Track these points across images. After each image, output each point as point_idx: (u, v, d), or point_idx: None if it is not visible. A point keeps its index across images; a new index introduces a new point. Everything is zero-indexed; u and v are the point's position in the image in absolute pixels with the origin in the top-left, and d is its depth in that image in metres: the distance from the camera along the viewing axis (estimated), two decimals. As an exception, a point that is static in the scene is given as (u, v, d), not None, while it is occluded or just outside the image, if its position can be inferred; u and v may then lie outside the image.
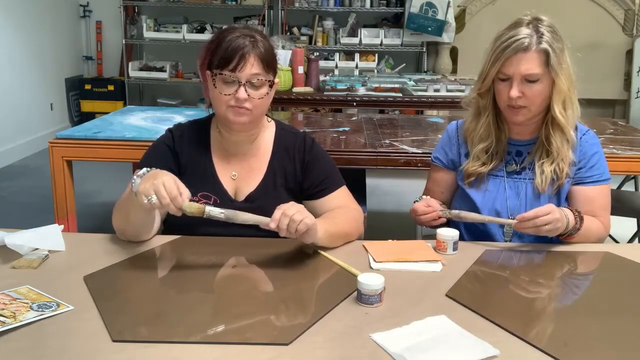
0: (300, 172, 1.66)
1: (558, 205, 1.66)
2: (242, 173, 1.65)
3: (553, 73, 1.56)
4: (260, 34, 1.56)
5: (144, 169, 1.40)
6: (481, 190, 1.71)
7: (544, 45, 1.55)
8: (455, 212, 1.61)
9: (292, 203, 1.39)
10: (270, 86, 1.56)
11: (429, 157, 1.87)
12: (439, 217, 1.63)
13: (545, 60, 1.55)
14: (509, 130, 1.71)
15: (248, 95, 1.50)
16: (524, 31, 1.56)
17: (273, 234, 1.52)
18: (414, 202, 1.71)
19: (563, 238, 1.58)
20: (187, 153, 1.64)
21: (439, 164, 1.81)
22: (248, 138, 1.65)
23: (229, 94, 1.51)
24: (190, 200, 1.59)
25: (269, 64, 1.55)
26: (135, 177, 1.39)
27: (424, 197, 1.76)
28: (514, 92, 1.56)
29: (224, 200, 1.59)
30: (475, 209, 1.68)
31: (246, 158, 1.65)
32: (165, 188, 1.31)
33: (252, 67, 1.50)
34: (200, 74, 1.63)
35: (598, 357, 1.06)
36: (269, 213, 1.38)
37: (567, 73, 1.58)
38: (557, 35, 1.58)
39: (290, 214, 1.34)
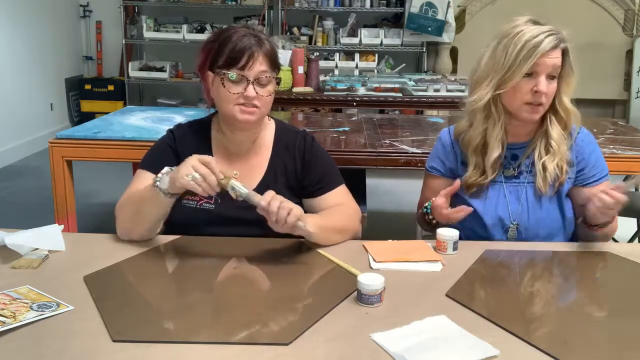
0: (300, 170, 1.66)
1: (560, 205, 1.65)
2: (243, 172, 1.65)
3: (570, 71, 1.58)
4: (262, 33, 1.59)
5: (167, 168, 1.44)
6: (482, 198, 1.68)
7: (567, 44, 1.56)
8: None
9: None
10: (278, 83, 1.59)
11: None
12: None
13: (563, 59, 1.56)
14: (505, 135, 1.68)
15: (256, 93, 1.52)
16: (546, 27, 1.55)
17: (273, 234, 1.53)
18: (424, 210, 1.70)
19: (598, 228, 1.58)
20: (188, 153, 1.63)
21: (437, 173, 1.77)
22: (250, 137, 1.65)
23: (237, 93, 1.52)
24: (192, 200, 1.59)
25: (275, 61, 1.58)
26: (160, 174, 1.44)
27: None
28: (543, 86, 1.54)
29: (225, 199, 1.59)
30: (477, 217, 1.66)
31: (247, 157, 1.66)
32: (200, 165, 1.38)
33: (260, 65, 1.53)
34: (199, 75, 1.64)
35: (598, 357, 1.06)
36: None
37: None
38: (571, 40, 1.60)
39: (280, 199, 1.39)
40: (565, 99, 1.61)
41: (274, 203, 1.38)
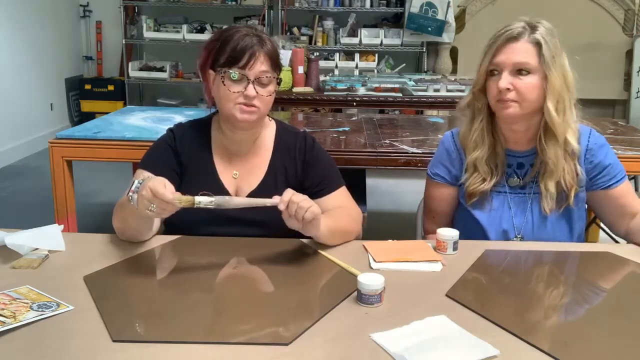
0: (301, 172, 1.66)
1: (568, 219, 1.63)
2: (243, 172, 1.65)
3: (545, 66, 1.51)
4: (264, 33, 1.59)
5: (136, 183, 1.38)
6: (485, 209, 1.65)
7: (537, 36, 1.52)
8: None
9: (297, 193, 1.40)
10: (278, 84, 1.58)
11: (429, 156, 1.83)
12: None
13: (537, 52, 1.52)
14: (505, 141, 1.65)
15: (257, 92, 1.52)
16: (518, 24, 1.55)
17: (273, 234, 1.53)
18: None
19: None
20: (188, 152, 1.64)
21: (441, 181, 1.72)
22: (250, 137, 1.65)
23: (237, 92, 1.52)
24: None
25: (276, 62, 1.58)
26: (131, 193, 1.37)
27: None
28: (503, 83, 1.51)
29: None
30: (481, 230, 1.65)
31: (247, 157, 1.66)
32: (153, 197, 1.29)
33: (261, 65, 1.52)
34: (200, 74, 1.64)
35: (598, 357, 1.06)
36: (269, 212, 1.39)
37: (562, 73, 1.53)
38: (553, 35, 1.55)
39: (298, 200, 1.36)
40: (550, 105, 1.53)
41: (291, 206, 1.36)
